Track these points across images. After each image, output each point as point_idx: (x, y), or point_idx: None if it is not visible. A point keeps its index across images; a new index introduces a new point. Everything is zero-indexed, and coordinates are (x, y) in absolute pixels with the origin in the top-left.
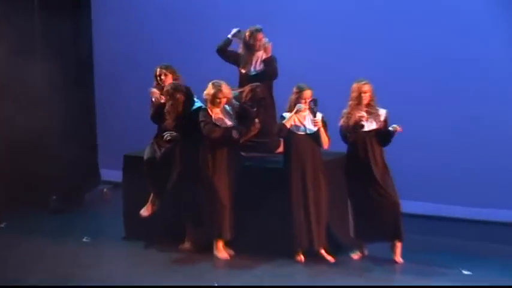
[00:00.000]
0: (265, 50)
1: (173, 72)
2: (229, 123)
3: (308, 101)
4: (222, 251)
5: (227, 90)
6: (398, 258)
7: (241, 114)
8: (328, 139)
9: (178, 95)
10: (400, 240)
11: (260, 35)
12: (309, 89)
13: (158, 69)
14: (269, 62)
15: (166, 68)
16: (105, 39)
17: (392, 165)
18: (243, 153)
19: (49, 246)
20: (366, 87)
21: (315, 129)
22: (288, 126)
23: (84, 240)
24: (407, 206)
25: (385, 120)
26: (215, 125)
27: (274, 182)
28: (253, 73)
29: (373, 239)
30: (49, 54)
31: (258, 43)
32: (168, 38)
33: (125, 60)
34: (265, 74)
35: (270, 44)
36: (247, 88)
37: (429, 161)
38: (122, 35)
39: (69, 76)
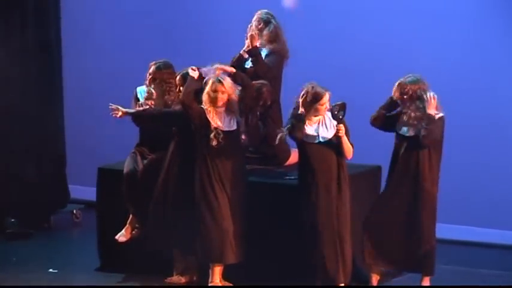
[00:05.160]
0: (249, 39)
1: (162, 80)
2: (228, 127)
3: (335, 105)
4: (219, 283)
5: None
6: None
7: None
8: (352, 146)
9: None
10: (428, 274)
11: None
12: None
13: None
14: (254, 52)
15: (155, 71)
16: (76, 26)
17: None
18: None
19: (5, 280)
20: None
21: (330, 136)
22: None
23: (49, 271)
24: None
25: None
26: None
27: (284, 200)
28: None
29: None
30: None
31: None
32: (148, 30)
33: (100, 54)
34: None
35: (253, 33)
36: None
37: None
38: (95, 25)
39: (31, 70)
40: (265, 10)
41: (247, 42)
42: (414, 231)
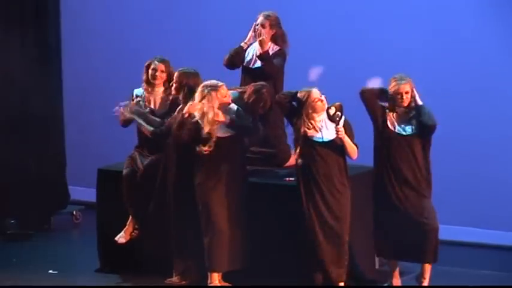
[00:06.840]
0: (260, 44)
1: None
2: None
3: (330, 106)
4: (218, 284)
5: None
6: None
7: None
8: (356, 147)
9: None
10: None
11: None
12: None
13: (154, 64)
14: (265, 56)
15: (163, 61)
16: (76, 27)
17: None
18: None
19: (5, 281)
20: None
21: (333, 136)
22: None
23: (50, 272)
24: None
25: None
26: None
27: (285, 200)
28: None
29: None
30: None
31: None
32: (148, 30)
33: (100, 55)
34: (261, 70)
35: (264, 37)
36: (249, 88)
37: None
38: (95, 26)
39: (31, 70)
40: (268, 12)
41: (250, 34)
42: (420, 221)
